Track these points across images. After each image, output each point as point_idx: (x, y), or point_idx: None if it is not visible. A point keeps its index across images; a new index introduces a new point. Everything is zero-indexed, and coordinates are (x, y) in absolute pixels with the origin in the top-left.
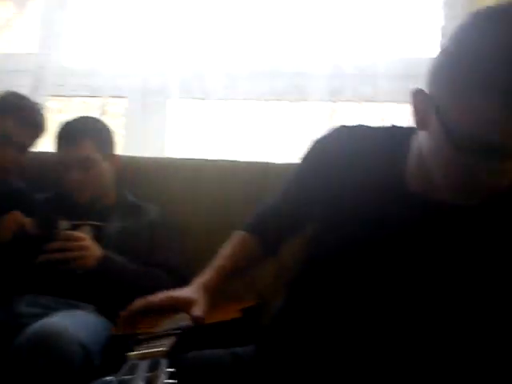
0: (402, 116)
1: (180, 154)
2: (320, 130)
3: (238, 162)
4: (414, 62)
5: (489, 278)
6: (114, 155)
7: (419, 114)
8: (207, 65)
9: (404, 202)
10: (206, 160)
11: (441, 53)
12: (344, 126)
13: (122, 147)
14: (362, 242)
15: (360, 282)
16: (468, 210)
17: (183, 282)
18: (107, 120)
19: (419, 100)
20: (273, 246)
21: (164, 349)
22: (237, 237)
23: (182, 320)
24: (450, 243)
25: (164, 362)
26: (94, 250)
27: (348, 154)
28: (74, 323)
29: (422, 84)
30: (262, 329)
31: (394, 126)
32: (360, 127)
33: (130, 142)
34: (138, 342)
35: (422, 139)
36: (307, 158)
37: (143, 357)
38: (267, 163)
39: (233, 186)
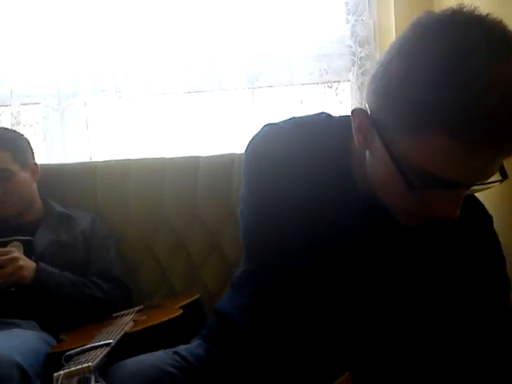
0: (319, 97)
1: (105, 157)
2: (241, 117)
3: (166, 158)
4: (325, 42)
5: (434, 281)
6: (33, 165)
7: (362, 132)
8: (121, 62)
9: (355, 205)
10: (133, 160)
11: (383, 68)
12: (272, 126)
13: (44, 156)
14: (314, 249)
15: (312, 288)
16: None
17: (123, 289)
18: (22, 129)
19: (360, 120)
20: None
21: (90, 364)
22: None
23: (117, 330)
24: (400, 247)
25: (92, 377)
26: (28, 262)
27: (286, 158)
28: (11, 345)
29: (334, 62)
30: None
31: (325, 115)
32: (289, 122)
33: (50, 149)
34: (69, 359)
35: (362, 151)
36: (251, 178)
37: (69, 375)
38: (196, 157)
39: (163, 183)
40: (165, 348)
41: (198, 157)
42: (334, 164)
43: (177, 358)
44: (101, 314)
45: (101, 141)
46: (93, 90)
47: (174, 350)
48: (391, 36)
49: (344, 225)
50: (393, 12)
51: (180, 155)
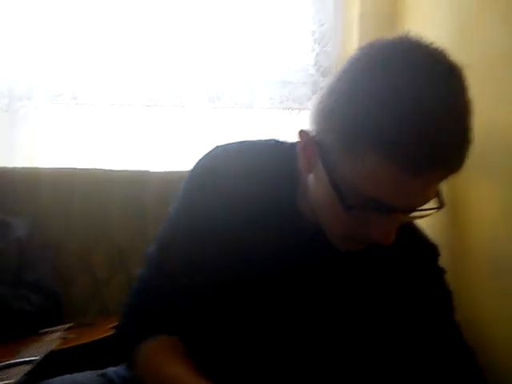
0: (279, 122)
1: (51, 164)
2: (200, 136)
3: (114, 170)
4: (288, 69)
5: (377, 310)
6: None
7: (306, 154)
8: (80, 68)
9: (298, 235)
10: (80, 169)
11: (330, 89)
12: (222, 147)
13: None
14: (260, 278)
15: (252, 313)
16: None
17: (55, 302)
18: None
19: (305, 141)
20: None
21: (11, 381)
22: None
23: (44, 346)
24: (345, 279)
25: None
26: None
27: (230, 181)
28: None
29: (296, 90)
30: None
31: (275, 141)
32: (238, 146)
33: None
34: None
35: (308, 177)
36: (188, 193)
37: None
38: (146, 172)
39: (109, 196)
40: (92, 369)
41: (147, 172)
42: (278, 192)
43: (103, 380)
44: (28, 328)
45: (50, 147)
46: (48, 93)
47: (101, 371)
48: None
49: (284, 255)
50: (357, 43)
51: (130, 169)
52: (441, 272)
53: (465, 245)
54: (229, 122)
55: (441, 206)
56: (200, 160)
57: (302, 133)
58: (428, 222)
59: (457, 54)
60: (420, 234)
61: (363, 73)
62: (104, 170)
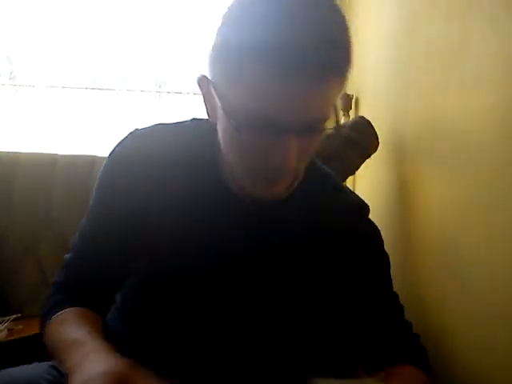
0: None
1: None
2: (146, 119)
3: (58, 154)
4: None
5: (315, 284)
6: None
7: (209, 102)
8: (19, 47)
9: (229, 207)
10: (22, 153)
11: (215, 37)
12: (139, 131)
13: None
14: (195, 261)
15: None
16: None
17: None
18: None
19: (205, 90)
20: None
21: None
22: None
23: None
24: (283, 248)
25: None
26: None
27: (153, 164)
28: None
29: None
30: None
31: (193, 119)
32: (157, 128)
33: None
34: None
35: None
36: (105, 184)
37: None
38: (92, 156)
39: (53, 181)
40: (41, 361)
41: (94, 156)
42: (200, 167)
43: (53, 371)
44: None
45: None
46: None
47: (50, 363)
48: None
49: (214, 227)
50: None
51: (73, 153)
52: (371, 232)
53: (414, 231)
54: (175, 107)
55: (337, 127)
56: (112, 151)
57: (199, 78)
58: (379, 207)
59: (402, 42)
60: (348, 194)
61: (237, 6)
62: (46, 153)
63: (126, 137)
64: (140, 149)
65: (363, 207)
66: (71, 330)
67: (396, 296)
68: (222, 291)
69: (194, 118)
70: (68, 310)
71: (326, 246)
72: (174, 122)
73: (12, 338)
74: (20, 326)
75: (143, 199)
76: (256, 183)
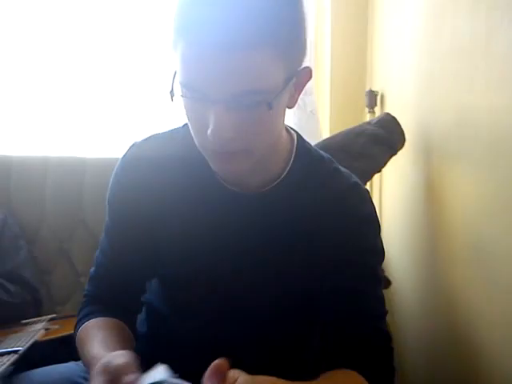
0: None
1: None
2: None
3: (86, 158)
4: None
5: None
6: None
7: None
8: None
9: (229, 203)
10: (51, 157)
11: None
12: (137, 143)
13: None
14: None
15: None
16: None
17: (33, 292)
18: None
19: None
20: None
21: None
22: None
23: (27, 337)
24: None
25: None
26: None
27: (157, 171)
28: None
29: None
30: None
31: (186, 125)
32: (154, 137)
33: None
34: None
35: None
36: (114, 199)
37: None
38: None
39: (82, 182)
40: (76, 360)
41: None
42: (196, 167)
43: (86, 371)
44: (7, 318)
45: None
46: None
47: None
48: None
49: (215, 224)
50: (329, 30)
51: (101, 156)
52: (366, 216)
53: (441, 231)
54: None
55: (270, 103)
56: (116, 167)
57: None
58: (406, 206)
59: (428, 39)
60: (344, 178)
61: None
62: (76, 157)
63: (127, 151)
64: (142, 159)
65: (358, 189)
66: (91, 345)
67: (378, 298)
68: (240, 288)
69: (186, 123)
70: (92, 321)
71: (322, 231)
72: (168, 129)
73: (48, 337)
74: (56, 326)
75: (152, 207)
76: (210, 158)
